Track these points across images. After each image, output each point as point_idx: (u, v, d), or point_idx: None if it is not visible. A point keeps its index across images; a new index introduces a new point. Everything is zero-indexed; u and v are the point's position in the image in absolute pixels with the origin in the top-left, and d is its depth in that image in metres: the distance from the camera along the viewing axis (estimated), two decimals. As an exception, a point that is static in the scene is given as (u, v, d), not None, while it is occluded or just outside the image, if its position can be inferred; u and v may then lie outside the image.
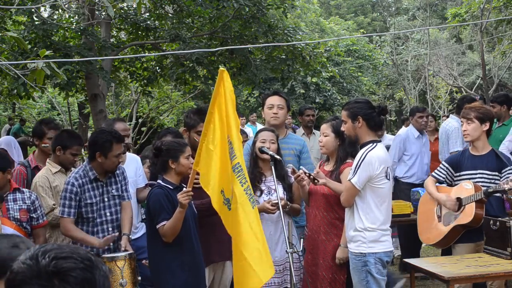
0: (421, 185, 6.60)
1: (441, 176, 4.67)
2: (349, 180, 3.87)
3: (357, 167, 3.83)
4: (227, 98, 3.56)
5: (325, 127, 4.33)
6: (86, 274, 1.42)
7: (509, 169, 4.39)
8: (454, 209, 4.46)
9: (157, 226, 3.83)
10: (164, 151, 3.97)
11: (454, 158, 4.77)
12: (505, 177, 4.35)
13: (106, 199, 4.20)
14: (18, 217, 4.17)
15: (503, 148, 5.70)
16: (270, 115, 4.84)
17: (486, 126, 4.54)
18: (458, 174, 4.60)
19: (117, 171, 4.31)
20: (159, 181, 4.01)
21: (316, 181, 4.05)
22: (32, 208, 4.26)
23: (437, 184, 4.73)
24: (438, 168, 4.76)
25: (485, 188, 4.31)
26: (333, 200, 4.21)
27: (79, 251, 1.46)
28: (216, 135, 3.61)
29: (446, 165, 4.68)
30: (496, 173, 4.44)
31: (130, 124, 13.23)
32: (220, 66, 3.72)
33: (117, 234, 4.12)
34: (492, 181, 4.42)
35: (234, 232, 3.55)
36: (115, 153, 4.13)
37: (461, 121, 4.66)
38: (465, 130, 4.56)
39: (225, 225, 3.68)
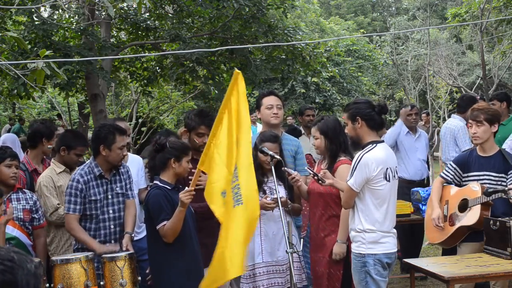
0: (417, 182, 6.62)
1: (449, 177, 4.64)
2: (347, 182, 3.88)
3: (354, 169, 3.83)
4: (240, 101, 3.53)
5: (314, 130, 4.37)
6: (6, 276, 1.37)
7: None
8: (438, 229, 4.49)
9: (157, 227, 3.81)
10: (169, 148, 3.94)
11: (462, 158, 4.70)
12: (510, 179, 4.33)
13: (109, 197, 4.19)
14: (22, 217, 4.18)
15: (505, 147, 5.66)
16: (270, 115, 4.84)
17: (495, 128, 4.50)
18: (466, 175, 4.56)
19: (122, 169, 4.29)
20: (156, 181, 3.99)
21: (320, 182, 4.01)
22: (34, 208, 4.27)
23: (445, 184, 4.69)
24: (446, 168, 4.73)
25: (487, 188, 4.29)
26: (329, 198, 4.24)
27: (0, 252, 1.40)
28: (222, 137, 3.60)
29: (454, 165, 4.64)
30: (503, 175, 4.40)
31: (130, 124, 13.22)
32: (234, 69, 3.66)
33: (118, 247, 4.08)
34: (499, 183, 4.38)
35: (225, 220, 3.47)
36: (119, 145, 4.12)
37: (470, 123, 4.53)
38: (475, 133, 4.46)
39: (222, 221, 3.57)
